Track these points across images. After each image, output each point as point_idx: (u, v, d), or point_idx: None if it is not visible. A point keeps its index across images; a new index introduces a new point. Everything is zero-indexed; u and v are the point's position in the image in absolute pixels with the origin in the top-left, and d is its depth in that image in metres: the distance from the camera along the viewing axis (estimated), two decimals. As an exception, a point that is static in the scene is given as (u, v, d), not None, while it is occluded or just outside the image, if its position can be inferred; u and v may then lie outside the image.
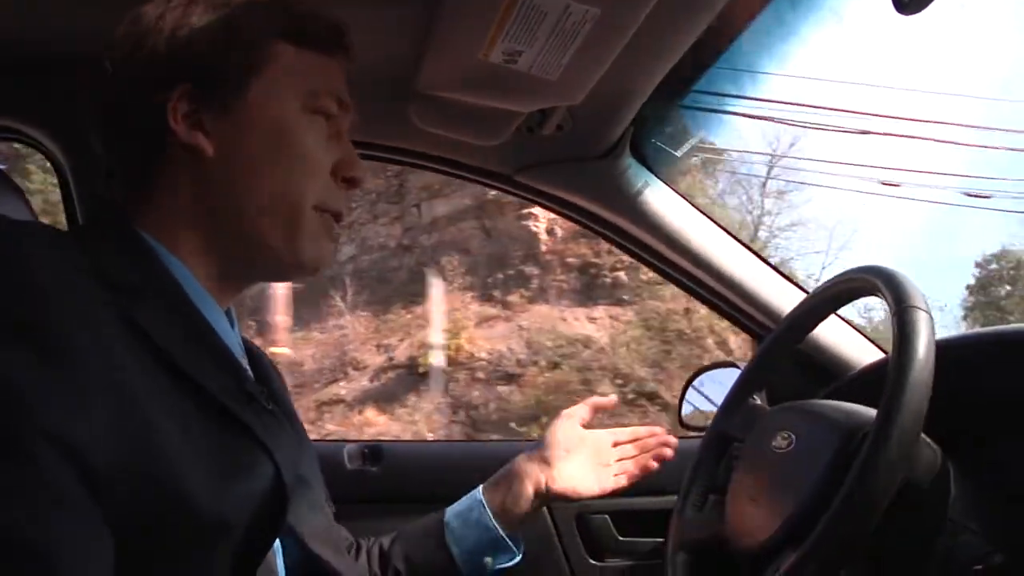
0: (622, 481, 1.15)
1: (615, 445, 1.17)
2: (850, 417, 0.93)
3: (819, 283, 1.41)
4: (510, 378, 10.42)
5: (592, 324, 11.05)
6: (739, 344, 10.76)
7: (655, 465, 1.16)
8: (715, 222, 1.41)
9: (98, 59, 0.77)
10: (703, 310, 10.80)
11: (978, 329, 1.12)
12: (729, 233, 1.42)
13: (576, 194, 1.40)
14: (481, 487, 1.12)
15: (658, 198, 1.38)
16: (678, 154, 1.39)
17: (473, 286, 11.60)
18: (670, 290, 10.85)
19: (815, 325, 1.12)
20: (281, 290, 9.90)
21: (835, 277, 1.03)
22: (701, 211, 1.41)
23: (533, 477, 1.11)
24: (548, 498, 1.13)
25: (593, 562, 1.43)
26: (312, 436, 1.02)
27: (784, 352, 1.13)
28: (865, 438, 0.81)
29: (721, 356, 10.26)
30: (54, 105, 1.22)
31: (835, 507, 0.78)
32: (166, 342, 0.66)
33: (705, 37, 1.04)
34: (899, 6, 0.76)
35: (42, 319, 0.58)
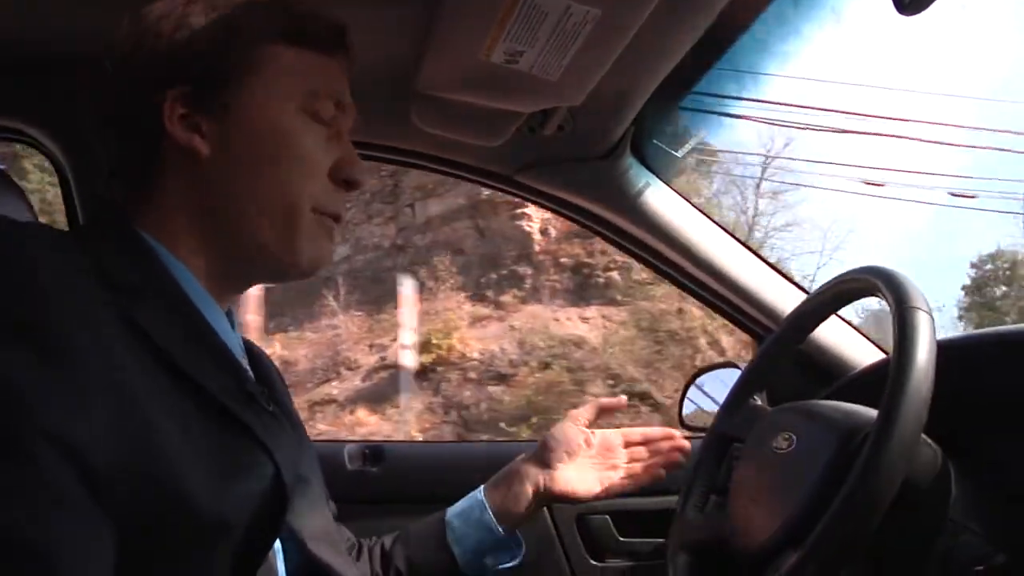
0: (627, 483, 1.15)
1: (626, 446, 1.17)
2: (851, 418, 0.92)
3: (814, 283, 1.41)
4: (502, 378, 10.41)
5: (585, 324, 11.06)
6: (732, 344, 10.78)
7: (663, 474, 1.16)
8: (716, 223, 1.41)
9: (98, 59, 0.78)
10: (696, 310, 10.86)
11: (979, 330, 1.12)
12: (729, 234, 1.42)
13: (577, 194, 1.41)
14: (482, 487, 1.12)
15: (659, 198, 1.38)
16: (679, 155, 1.40)
17: (466, 286, 11.59)
18: (662, 290, 10.87)
19: (816, 326, 1.12)
20: (255, 290, 9.87)
21: (835, 278, 1.03)
22: (702, 212, 1.41)
23: (532, 478, 1.11)
24: (548, 499, 1.13)
25: (594, 562, 1.43)
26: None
27: (785, 353, 1.13)
28: (866, 439, 0.81)
29: (714, 356, 10.28)
30: (54, 105, 1.21)
31: (836, 508, 0.78)
32: (166, 342, 0.66)
33: (706, 37, 1.04)
34: (900, 7, 0.76)
35: (42, 319, 0.58)
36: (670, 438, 1.18)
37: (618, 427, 1.19)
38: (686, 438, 1.19)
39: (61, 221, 1.30)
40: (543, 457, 1.13)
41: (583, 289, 11.47)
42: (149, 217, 0.76)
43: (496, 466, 1.15)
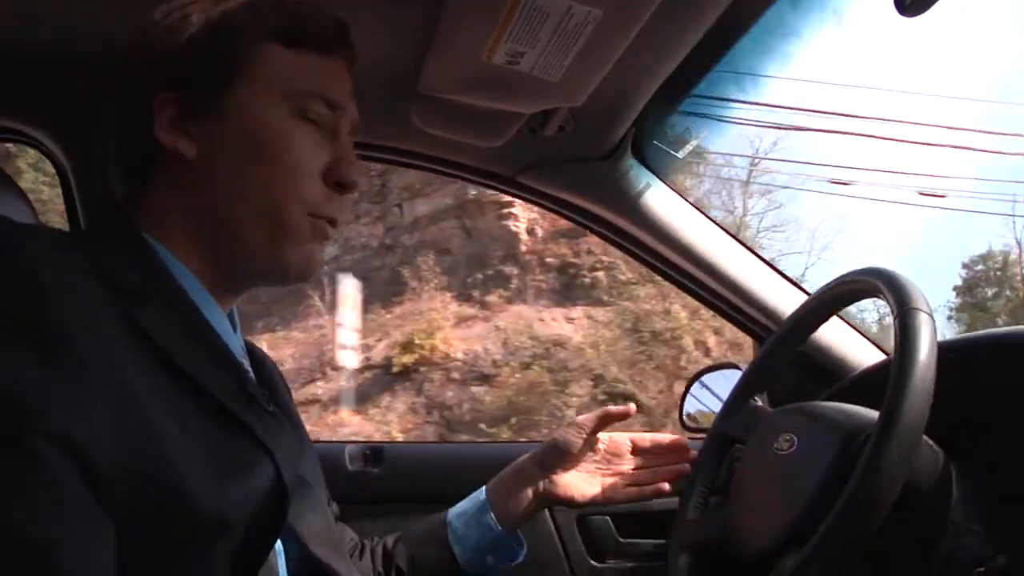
0: (631, 493, 1.15)
1: (635, 451, 1.17)
2: (852, 419, 0.93)
3: (803, 284, 1.42)
4: (485, 378, 10.42)
5: (570, 324, 11.08)
6: (717, 344, 10.83)
7: (667, 488, 1.15)
8: (716, 223, 1.41)
9: (98, 59, 0.77)
10: (682, 311, 10.90)
11: (980, 331, 1.13)
12: (730, 234, 1.43)
13: (578, 195, 1.41)
14: (484, 487, 1.13)
15: (660, 199, 1.38)
16: (680, 155, 1.40)
17: (452, 286, 11.59)
18: (648, 290, 10.90)
19: (817, 327, 1.12)
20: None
21: (837, 279, 1.03)
22: (702, 212, 1.41)
23: (533, 480, 1.12)
24: (548, 502, 1.14)
25: (594, 563, 1.43)
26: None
27: (786, 354, 1.13)
28: (867, 440, 0.81)
29: (700, 357, 10.32)
30: (54, 105, 1.21)
31: (837, 509, 0.78)
32: (166, 341, 0.66)
33: (706, 38, 1.04)
34: (901, 7, 0.77)
35: (42, 319, 0.58)
36: (681, 449, 1.17)
37: (648, 433, 1.19)
38: (688, 439, 1.19)
39: (55, 221, 1.30)
40: (545, 460, 1.13)
41: (569, 289, 11.50)
42: (148, 218, 0.76)
43: (497, 467, 1.15)
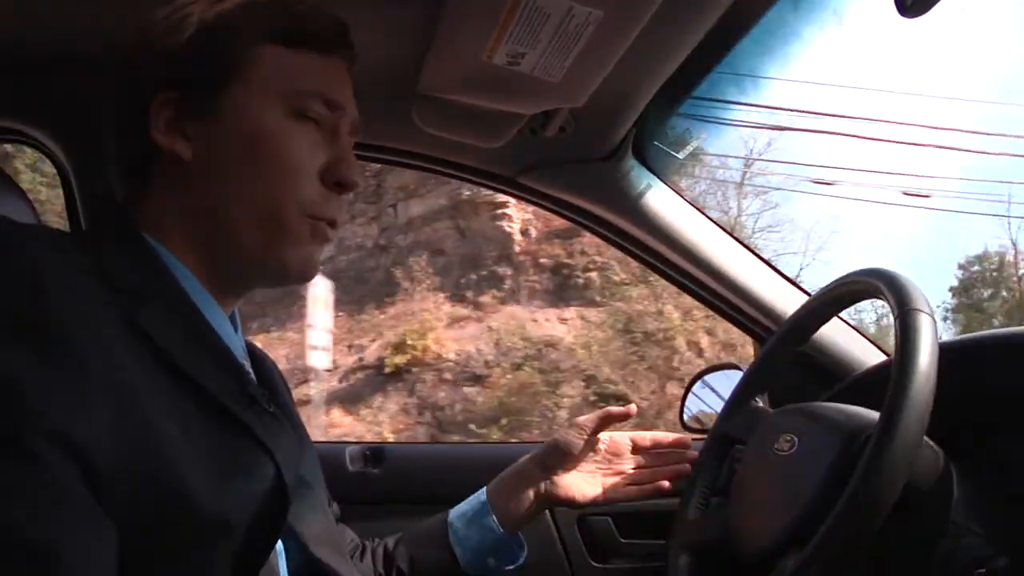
0: (631, 492, 1.15)
1: (635, 450, 1.17)
2: (853, 420, 0.93)
3: (798, 283, 1.42)
4: (477, 379, 10.42)
5: (563, 325, 11.09)
6: (710, 344, 10.84)
7: (667, 486, 1.16)
8: (717, 224, 1.42)
9: (98, 59, 0.77)
10: (674, 312, 10.91)
11: (980, 332, 1.13)
12: (731, 235, 1.43)
13: (578, 196, 1.41)
14: (485, 488, 1.13)
15: (660, 200, 1.38)
16: (680, 156, 1.40)
17: (445, 286, 11.58)
18: (641, 290, 10.91)
19: (817, 327, 1.12)
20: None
21: (837, 280, 1.04)
22: (703, 213, 1.41)
23: (534, 481, 1.12)
24: (549, 503, 1.14)
25: (595, 564, 1.43)
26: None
27: (786, 354, 1.13)
28: (868, 441, 0.81)
29: (693, 357, 10.33)
30: (55, 105, 1.21)
31: (838, 510, 0.78)
32: (166, 342, 0.66)
33: (707, 39, 1.04)
34: (902, 8, 0.77)
35: (42, 319, 0.58)
36: (682, 446, 1.18)
37: (648, 432, 1.19)
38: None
39: (53, 221, 1.29)
40: (546, 461, 1.13)
41: (562, 290, 11.50)
42: (149, 218, 0.76)
43: (498, 467, 1.15)
